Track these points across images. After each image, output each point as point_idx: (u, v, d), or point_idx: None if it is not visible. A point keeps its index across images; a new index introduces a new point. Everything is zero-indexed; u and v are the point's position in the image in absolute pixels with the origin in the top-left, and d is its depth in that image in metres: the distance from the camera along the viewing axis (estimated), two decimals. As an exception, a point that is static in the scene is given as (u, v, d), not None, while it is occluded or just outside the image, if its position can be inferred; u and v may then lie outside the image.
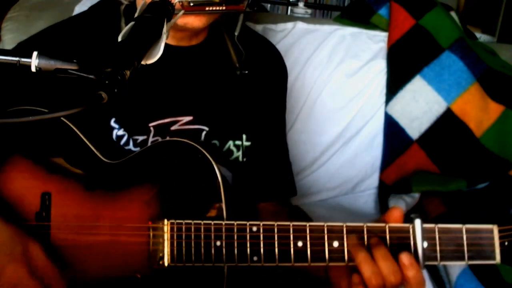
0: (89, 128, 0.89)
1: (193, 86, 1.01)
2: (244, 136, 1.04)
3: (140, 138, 0.97)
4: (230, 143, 1.03)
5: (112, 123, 0.95)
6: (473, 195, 1.47)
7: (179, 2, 0.77)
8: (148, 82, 0.97)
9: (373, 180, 1.58)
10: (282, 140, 1.15)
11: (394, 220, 0.77)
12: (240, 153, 1.04)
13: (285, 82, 1.17)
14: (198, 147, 0.85)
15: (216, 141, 1.01)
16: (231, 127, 1.03)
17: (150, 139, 0.97)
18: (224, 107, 1.03)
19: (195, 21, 0.87)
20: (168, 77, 0.99)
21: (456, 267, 1.28)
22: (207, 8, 0.81)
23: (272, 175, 1.10)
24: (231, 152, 1.03)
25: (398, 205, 0.78)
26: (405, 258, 0.74)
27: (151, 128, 0.97)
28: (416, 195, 1.48)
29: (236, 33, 1.02)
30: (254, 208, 1.08)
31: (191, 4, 0.79)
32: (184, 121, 0.99)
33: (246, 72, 1.03)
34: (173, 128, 0.98)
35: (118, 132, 0.96)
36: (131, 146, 0.96)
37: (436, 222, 0.77)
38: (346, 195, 1.59)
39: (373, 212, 1.56)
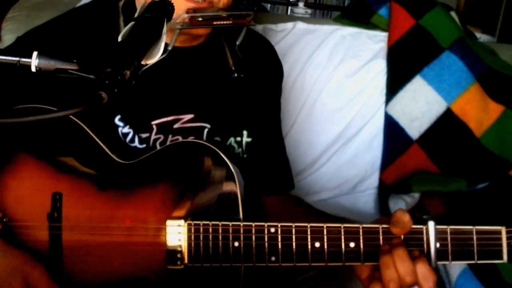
0: (95, 127, 0.89)
1: (194, 85, 1.02)
2: (245, 133, 1.05)
3: (144, 135, 0.97)
4: (232, 139, 1.04)
5: (117, 121, 0.96)
6: (473, 195, 1.47)
7: (187, 17, 0.78)
8: (150, 81, 0.97)
9: (373, 180, 1.58)
10: (279, 136, 1.16)
11: (404, 223, 0.77)
12: (241, 149, 1.05)
13: (280, 80, 1.18)
14: (214, 148, 0.85)
15: (217, 138, 1.02)
16: (232, 124, 1.04)
17: (153, 137, 0.97)
18: (225, 104, 1.04)
19: (199, 30, 0.90)
20: (169, 76, 1.00)
21: (456, 267, 1.28)
22: (214, 23, 0.83)
23: (272, 170, 1.11)
24: (233, 148, 1.04)
25: (399, 206, 0.79)
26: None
27: (154, 126, 0.98)
28: (416, 195, 1.48)
29: (237, 43, 1.03)
30: (259, 203, 1.08)
31: (199, 19, 0.81)
32: (186, 119, 1.00)
33: (242, 75, 1.04)
34: (175, 126, 0.99)
35: (123, 129, 0.96)
36: (136, 143, 0.97)
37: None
38: (346, 195, 1.59)
39: (373, 212, 1.56)
